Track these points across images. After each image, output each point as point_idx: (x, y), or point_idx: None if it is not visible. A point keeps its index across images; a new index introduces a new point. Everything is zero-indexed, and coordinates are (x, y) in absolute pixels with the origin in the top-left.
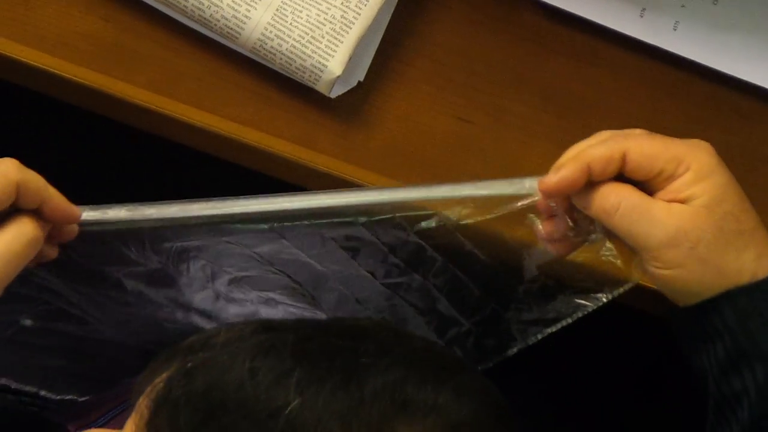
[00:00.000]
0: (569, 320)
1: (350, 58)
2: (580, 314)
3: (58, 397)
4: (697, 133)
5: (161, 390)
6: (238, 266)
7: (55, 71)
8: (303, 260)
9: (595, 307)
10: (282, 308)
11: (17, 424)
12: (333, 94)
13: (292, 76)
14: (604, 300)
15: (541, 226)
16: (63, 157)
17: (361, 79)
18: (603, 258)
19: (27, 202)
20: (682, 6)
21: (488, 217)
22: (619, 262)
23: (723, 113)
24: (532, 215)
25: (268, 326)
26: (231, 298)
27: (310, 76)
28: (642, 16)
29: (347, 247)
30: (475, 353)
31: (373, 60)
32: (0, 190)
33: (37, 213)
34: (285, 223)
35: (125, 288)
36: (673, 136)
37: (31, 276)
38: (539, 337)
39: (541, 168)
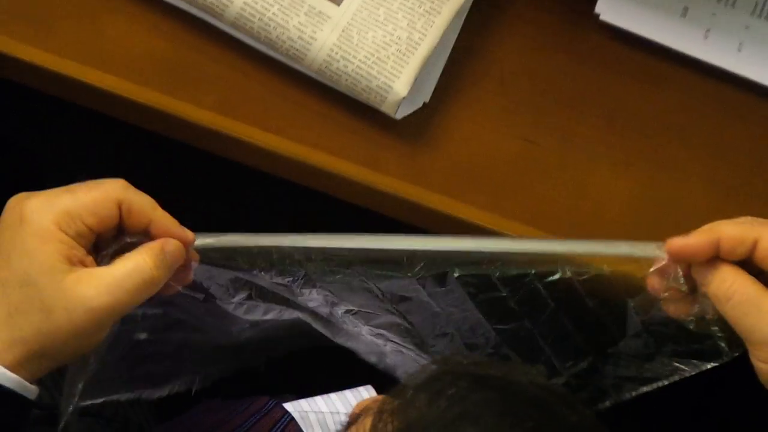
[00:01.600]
0: (665, 382)
1: (416, 79)
2: (677, 377)
3: (156, 396)
4: (763, 155)
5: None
6: (357, 302)
7: (121, 93)
8: (423, 299)
9: (692, 373)
10: (391, 345)
11: None
12: (399, 115)
13: (357, 97)
14: (703, 368)
15: (655, 283)
16: (130, 179)
17: (427, 100)
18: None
19: (133, 223)
20: (747, 27)
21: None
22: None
23: None
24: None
25: (481, 383)
26: (343, 322)
27: (375, 97)
28: (706, 38)
29: (468, 283)
30: None
31: (438, 81)
32: (101, 206)
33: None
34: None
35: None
36: (738, 157)
37: None
38: (633, 394)
39: (605, 190)
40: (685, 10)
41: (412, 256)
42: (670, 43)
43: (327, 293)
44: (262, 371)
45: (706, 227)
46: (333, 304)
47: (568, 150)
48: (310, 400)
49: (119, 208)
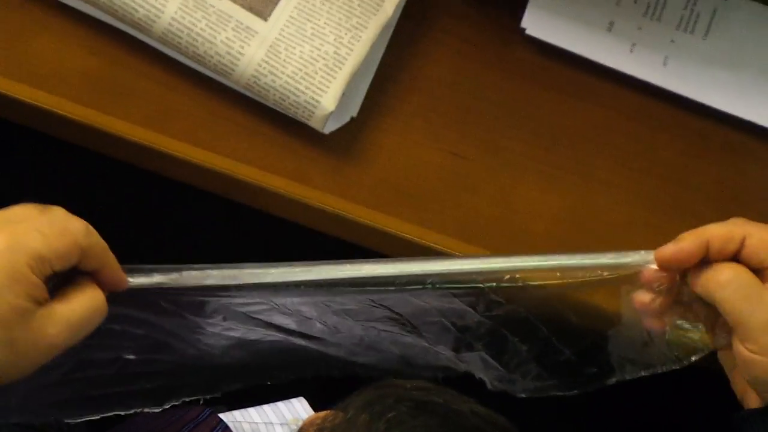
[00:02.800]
0: (664, 369)
1: (343, 94)
2: (674, 366)
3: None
4: (688, 168)
5: None
6: (338, 302)
7: (49, 108)
8: (404, 297)
9: (685, 365)
10: (387, 335)
11: None
12: (326, 130)
13: (285, 112)
14: (692, 360)
15: (640, 296)
16: (60, 196)
17: (354, 115)
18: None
19: (86, 266)
20: (672, 41)
21: (581, 280)
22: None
23: (713, 148)
24: (627, 287)
25: (422, 409)
26: (336, 329)
27: (303, 111)
28: (632, 52)
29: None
30: (574, 379)
31: (366, 95)
32: (66, 251)
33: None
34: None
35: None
36: (664, 170)
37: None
38: (636, 375)
39: (533, 203)
40: (611, 24)
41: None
42: (597, 57)
43: (301, 312)
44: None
45: (692, 231)
46: (319, 313)
47: (496, 163)
48: (243, 411)
49: (81, 253)
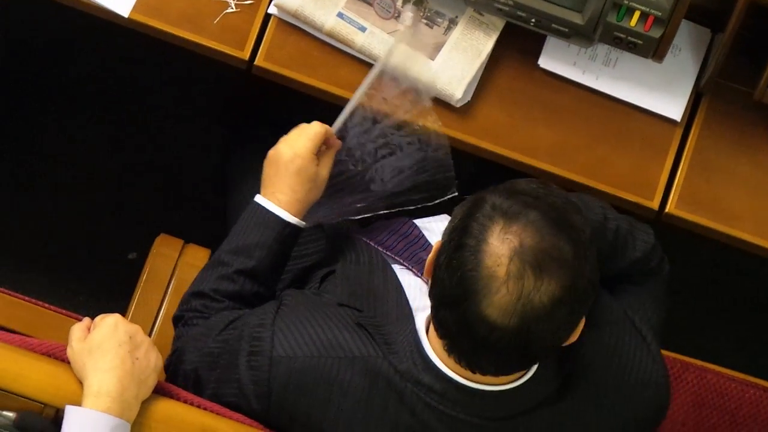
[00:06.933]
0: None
1: (464, 91)
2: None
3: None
4: (615, 124)
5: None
6: None
7: (324, 88)
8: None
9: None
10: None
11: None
12: (458, 105)
13: (439, 96)
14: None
15: None
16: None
17: (469, 99)
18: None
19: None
20: (601, 69)
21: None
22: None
23: (617, 112)
24: None
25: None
26: None
27: (448, 97)
28: (584, 74)
29: None
30: None
31: (474, 91)
32: (319, 141)
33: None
34: None
35: None
36: (601, 127)
37: None
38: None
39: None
40: (575, 64)
41: None
42: (577, 79)
43: None
44: None
45: None
46: None
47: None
48: (418, 220)
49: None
